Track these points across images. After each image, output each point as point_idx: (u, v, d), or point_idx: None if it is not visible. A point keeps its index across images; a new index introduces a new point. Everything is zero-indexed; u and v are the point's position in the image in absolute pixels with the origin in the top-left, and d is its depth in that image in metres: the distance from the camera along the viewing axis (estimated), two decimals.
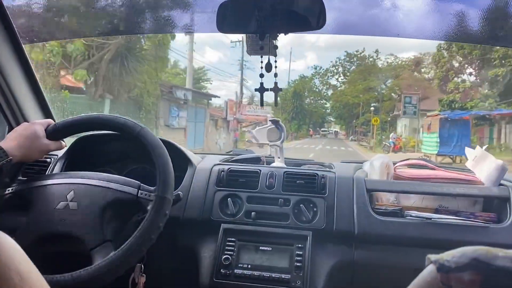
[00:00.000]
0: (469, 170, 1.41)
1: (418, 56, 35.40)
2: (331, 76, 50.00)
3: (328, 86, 52.43)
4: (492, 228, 1.18)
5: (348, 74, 47.00)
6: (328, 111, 58.29)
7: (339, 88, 48.73)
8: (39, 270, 0.87)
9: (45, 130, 1.15)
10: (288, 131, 33.83)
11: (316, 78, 53.03)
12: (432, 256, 0.53)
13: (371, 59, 44.03)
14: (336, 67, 48.17)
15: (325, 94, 54.09)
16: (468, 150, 1.44)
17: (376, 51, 43.09)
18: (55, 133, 1.16)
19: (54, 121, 1.22)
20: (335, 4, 1.21)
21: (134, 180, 1.08)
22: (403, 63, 39.27)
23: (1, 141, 1.09)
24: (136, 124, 1.09)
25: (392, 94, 35.54)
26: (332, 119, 64.47)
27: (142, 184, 1.07)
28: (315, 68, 51.57)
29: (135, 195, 1.04)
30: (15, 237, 0.97)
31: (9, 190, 1.10)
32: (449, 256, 0.51)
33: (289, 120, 44.63)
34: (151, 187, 1.07)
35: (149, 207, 1.01)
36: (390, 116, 33.97)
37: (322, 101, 56.63)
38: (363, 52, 44.61)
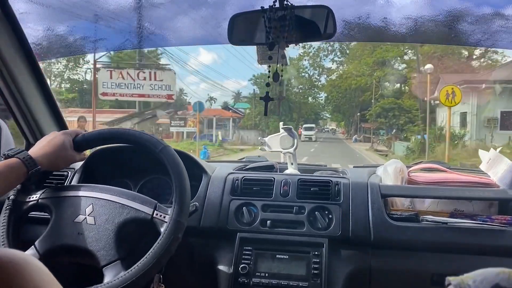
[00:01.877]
0: (483, 172, 1.41)
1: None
2: (324, 56, 40.35)
3: (321, 70, 42.26)
4: (509, 231, 1.18)
5: (347, 50, 38.38)
6: (322, 101, 47.34)
7: (335, 73, 39.81)
8: None
9: (73, 140, 1.17)
10: (264, 130, 29.16)
11: (306, 59, 42.02)
12: (452, 279, 0.52)
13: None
14: (332, 44, 37.67)
15: (317, 81, 43.49)
16: (481, 152, 1.44)
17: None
18: (83, 144, 1.19)
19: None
20: (345, 13, 1.22)
21: (151, 200, 1.09)
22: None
23: (30, 149, 1.11)
24: (159, 142, 1.11)
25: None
26: (327, 115, 54.28)
27: (159, 204, 1.08)
28: (304, 47, 38.69)
29: (150, 214, 1.05)
30: (34, 246, 1.01)
31: (33, 197, 1.12)
32: (470, 279, 0.50)
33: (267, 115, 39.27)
34: (167, 206, 1.07)
35: (162, 229, 1.02)
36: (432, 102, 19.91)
37: (314, 90, 45.90)
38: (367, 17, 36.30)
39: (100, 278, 0.97)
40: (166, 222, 1.03)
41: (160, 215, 1.05)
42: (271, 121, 29.99)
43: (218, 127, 28.84)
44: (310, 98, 46.94)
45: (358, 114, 35.93)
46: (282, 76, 1.15)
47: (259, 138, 1.61)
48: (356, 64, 34.04)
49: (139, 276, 0.95)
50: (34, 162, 1.06)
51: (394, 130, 26.91)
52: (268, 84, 1.19)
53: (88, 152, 1.33)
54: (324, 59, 40.99)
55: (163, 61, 27.56)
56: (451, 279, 0.52)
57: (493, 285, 0.48)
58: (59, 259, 1.07)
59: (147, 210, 1.06)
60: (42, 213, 1.12)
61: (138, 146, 1.14)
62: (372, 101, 30.63)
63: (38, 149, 1.11)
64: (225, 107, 41.46)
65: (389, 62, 31.23)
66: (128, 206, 1.07)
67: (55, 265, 1.07)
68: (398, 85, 31.42)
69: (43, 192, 1.13)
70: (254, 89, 43.85)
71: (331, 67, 41.37)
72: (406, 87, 29.76)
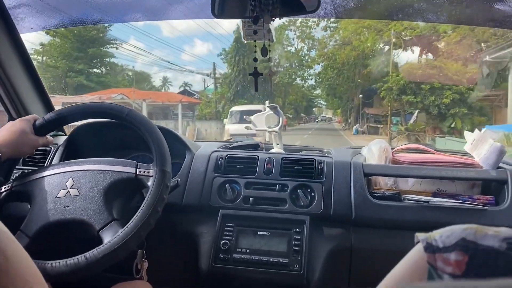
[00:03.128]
0: (468, 153, 1.41)
1: None
2: (315, 24, 30.45)
3: (311, 43, 32.95)
4: (490, 211, 1.18)
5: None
6: (312, 80, 36.56)
7: (329, 44, 29.86)
8: (49, 260, 0.89)
9: (33, 125, 1.15)
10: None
11: (292, 30, 33.26)
12: (421, 235, 0.52)
13: None
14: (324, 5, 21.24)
15: (306, 56, 33.71)
16: (467, 134, 1.43)
17: None
18: (43, 127, 1.15)
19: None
20: None
21: (130, 160, 1.09)
22: None
23: None
24: (123, 107, 1.10)
25: None
26: (322, 102, 46.35)
27: (139, 163, 1.07)
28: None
29: (133, 173, 1.05)
30: (20, 230, 0.99)
31: (5, 187, 1.09)
32: (438, 234, 0.51)
33: (230, 99, 28.43)
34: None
35: (149, 183, 1.02)
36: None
37: (303, 70, 35.64)
38: None
39: (97, 246, 0.95)
40: (152, 175, 1.03)
41: (144, 171, 1.05)
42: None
43: (163, 117, 23.70)
44: (298, 79, 37.29)
45: (360, 96, 27.63)
46: (270, 51, 1.14)
47: (244, 116, 1.58)
48: (357, 27, 24.67)
49: (139, 227, 0.94)
50: None
51: (415, 115, 19.47)
52: (255, 59, 1.17)
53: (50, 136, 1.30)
54: (315, 28, 31.19)
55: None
56: (419, 235, 0.52)
57: (459, 239, 0.49)
58: (52, 237, 1.04)
59: (130, 170, 1.05)
60: (21, 200, 1.09)
61: (102, 117, 1.13)
62: (389, 69, 21.48)
63: None
64: (184, 91, 36.93)
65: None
66: (109, 170, 1.06)
67: (49, 244, 1.06)
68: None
69: (15, 180, 1.11)
70: (214, 63, 38.21)
71: (323, 38, 30.80)
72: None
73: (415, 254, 0.52)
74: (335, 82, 30.46)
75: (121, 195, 1.08)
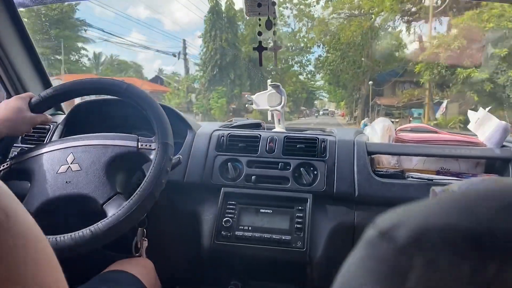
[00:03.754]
0: (472, 132, 1.40)
1: None
2: (314, 2, 24.42)
3: (310, 22, 26.20)
4: None
5: None
6: (311, 64, 29.90)
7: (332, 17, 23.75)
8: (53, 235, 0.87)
9: (29, 103, 1.13)
10: (205, 113, 22.66)
11: (287, 7, 26.53)
12: (437, 188, 0.51)
13: None
14: None
15: (304, 39, 27.27)
16: (470, 113, 1.42)
17: None
18: (40, 104, 1.13)
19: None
20: None
21: (131, 135, 1.07)
22: None
23: None
24: (121, 82, 1.08)
25: None
26: (324, 94, 40.11)
27: (140, 136, 1.06)
28: None
29: (135, 147, 1.03)
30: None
31: (4, 165, 1.08)
32: (456, 186, 0.50)
33: (205, 86, 23.64)
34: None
35: (152, 156, 1.01)
36: None
37: (301, 56, 29.44)
38: None
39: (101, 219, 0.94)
40: (154, 148, 1.02)
41: (146, 145, 1.03)
42: (213, 99, 22.60)
43: None
44: (296, 66, 31.08)
45: (370, 83, 22.72)
46: (275, 24, 1.12)
47: (246, 95, 1.57)
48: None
49: (144, 199, 0.93)
50: None
51: (444, 105, 15.99)
52: (260, 33, 1.15)
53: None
54: (314, 6, 25.33)
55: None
56: (435, 188, 0.51)
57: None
58: (54, 213, 1.04)
59: (131, 143, 1.04)
60: (21, 177, 1.08)
61: (101, 92, 1.11)
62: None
63: None
64: (156, 78, 31.42)
65: None
66: (110, 145, 1.04)
67: (52, 220, 1.05)
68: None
69: (14, 157, 1.09)
70: (184, 40, 28.53)
71: (324, 17, 24.75)
72: None
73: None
74: (338, 67, 24.59)
75: (123, 169, 1.07)
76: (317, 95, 43.35)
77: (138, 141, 1.05)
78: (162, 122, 1.04)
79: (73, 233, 0.89)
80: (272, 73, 27.24)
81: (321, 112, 44.91)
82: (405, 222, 0.26)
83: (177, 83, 28.75)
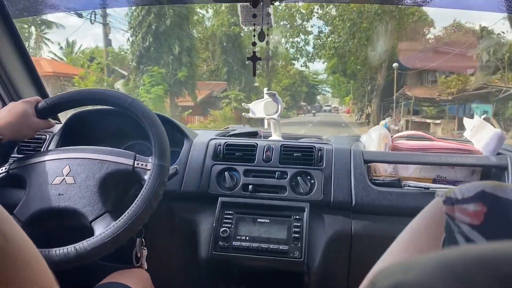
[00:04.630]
0: (468, 140, 1.40)
1: None
2: None
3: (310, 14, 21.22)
4: None
5: None
6: (310, 48, 23.73)
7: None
8: (41, 247, 0.87)
9: (35, 108, 1.13)
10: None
11: None
12: (440, 191, 0.52)
13: None
14: None
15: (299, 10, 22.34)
16: (466, 120, 1.43)
17: None
18: (45, 110, 1.14)
19: (47, 97, 1.20)
20: None
21: (129, 152, 1.07)
22: None
23: None
24: (127, 96, 1.08)
25: None
26: (327, 89, 35.31)
27: (137, 154, 1.06)
28: None
29: (131, 165, 1.03)
30: (13, 215, 0.98)
31: (2, 169, 1.08)
32: (457, 189, 0.50)
33: (132, 66, 17.09)
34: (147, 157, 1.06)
35: (146, 176, 1.00)
36: None
37: (297, 37, 23.61)
38: None
39: (90, 235, 0.94)
40: (149, 169, 1.01)
41: (142, 164, 1.03)
42: (144, 87, 15.69)
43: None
44: (292, 51, 25.03)
45: (395, 65, 16.40)
46: (268, 34, 1.12)
47: (242, 104, 1.57)
48: None
49: (132, 222, 0.93)
50: None
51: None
52: (254, 44, 1.15)
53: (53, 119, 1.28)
54: None
55: None
56: (438, 192, 0.52)
57: (479, 191, 0.48)
58: (44, 224, 1.04)
59: (127, 161, 1.04)
60: (17, 183, 1.08)
61: (105, 104, 1.11)
62: None
63: None
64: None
65: None
66: (107, 160, 1.04)
67: (41, 231, 1.05)
68: None
69: (12, 163, 1.09)
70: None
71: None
72: None
73: (433, 206, 0.52)
74: (346, 46, 17.99)
75: (117, 186, 1.07)
76: (320, 90, 38.01)
77: (135, 159, 1.04)
78: (161, 142, 1.04)
79: (58, 249, 0.89)
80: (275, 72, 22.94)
81: (323, 109, 39.34)
82: (403, 284, 0.26)
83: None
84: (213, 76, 20.98)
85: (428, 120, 15.39)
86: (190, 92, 18.21)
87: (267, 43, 1.07)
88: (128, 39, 17.58)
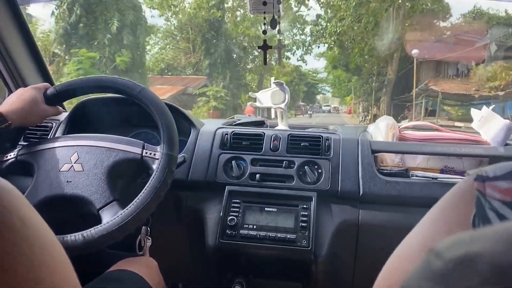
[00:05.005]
0: (476, 131, 1.40)
1: None
2: None
3: None
4: None
5: None
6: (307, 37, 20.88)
7: None
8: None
9: (44, 94, 1.13)
10: None
11: None
12: (471, 171, 0.52)
13: None
14: None
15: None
16: (473, 111, 1.42)
17: None
18: (54, 97, 1.14)
19: (53, 85, 1.20)
20: None
21: (138, 140, 1.07)
22: None
23: (0, 106, 1.07)
24: (136, 85, 1.07)
25: None
26: (328, 88, 33.54)
27: (146, 143, 1.06)
28: None
29: (139, 154, 1.03)
30: None
31: (10, 155, 1.08)
32: (488, 168, 0.50)
33: (54, 46, 13.16)
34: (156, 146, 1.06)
35: (154, 166, 1.00)
36: None
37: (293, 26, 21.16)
38: None
39: (97, 223, 0.94)
40: (158, 158, 1.01)
41: (150, 153, 1.03)
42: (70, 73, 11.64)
43: None
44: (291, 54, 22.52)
45: (415, 52, 13.31)
46: (280, 22, 1.11)
47: (249, 93, 1.56)
48: None
49: (139, 210, 0.93)
50: (3, 118, 1.02)
51: None
52: (265, 32, 1.14)
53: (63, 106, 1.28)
54: None
55: None
56: (469, 171, 0.52)
57: (511, 169, 0.48)
58: (51, 210, 1.03)
59: (136, 150, 1.04)
60: (25, 169, 1.08)
61: (114, 92, 1.11)
62: None
63: (7, 105, 1.06)
64: None
65: None
66: (116, 149, 1.04)
67: (48, 217, 1.05)
68: None
69: (21, 149, 1.10)
70: None
71: None
72: None
73: (464, 183, 0.52)
74: (350, 31, 14.85)
75: (124, 175, 1.07)
76: (319, 89, 35.88)
77: (143, 148, 1.04)
78: (170, 132, 1.03)
79: (65, 235, 0.90)
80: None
81: (322, 109, 37.25)
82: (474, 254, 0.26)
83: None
84: (195, 70, 18.36)
85: (459, 124, 11.12)
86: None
87: (279, 31, 1.06)
88: (53, 12, 13.17)
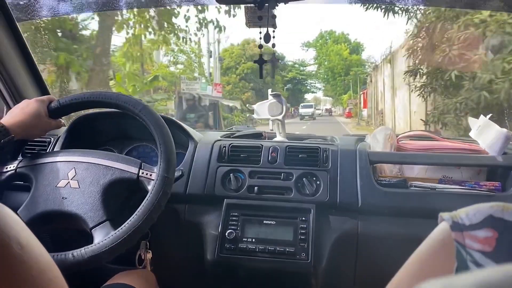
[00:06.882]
0: (473, 140, 1.40)
1: None
2: None
3: None
4: (497, 197, 1.17)
5: None
6: None
7: None
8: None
9: (48, 107, 1.13)
10: None
11: None
12: (445, 214, 0.51)
13: None
14: None
15: None
16: (471, 120, 1.42)
17: None
18: (58, 111, 1.15)
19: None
20: None
21: (135, 159, 1.07)
22: None
23: (3, 118, 1.07)
24: (138, 102, 1.08)
25: None
26: (318, 85, 30.76)
27: (143, 163, 1.06)
28: None
29: (136, 173, 1.03)
30: (17, 214, 0.98)
31: (10, 167, 1.09)
32: (463, 213, 0.50)
33: None
34: (152, 166, 1.06)
35: (149, 187, 1.00)
36: None
37: None
38: None
39: (90, 241, 0.95)
40: (153, 179, 1.01)
41: (147, 174, 1.03)
42: None
43: None
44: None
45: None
46: (274, 37, 1.11)
47: (247, 105, 1.56)
48: None
49: (131, 233, 0.92)
50: (6, 131, 1.02)
51: None
52: (260, 46, 1.15)
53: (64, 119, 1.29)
54: None
55: None
56: (443, 215, 0.51)
57: (486, 216, 0.47)
58: (46, 226, 1.05)
59: (133, 169, 1.04)
60: (23, 182, 1.09)
61: (117, 108, 1.11)
62: None
63: (11, 118, 1.07)
64: None
65: None
66: (113, 167, 1.04)
67: (42, 233, 1.05)
68: None
69: (20, 161, 1.10)
70: None
71: None
72: None
73: (441, 233, 0.51)
74: None
75: (119, 194, 1.07)
76: (307, 86, 30.34)
77: (140, 167, 1.04)
78: (168, 152, 1.03)
79: (56, 254, 0.90)
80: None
81: (320, 112, 32.48)
82: None
83: None
84: None
85: None
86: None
87: (273, 45, 1.07)
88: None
